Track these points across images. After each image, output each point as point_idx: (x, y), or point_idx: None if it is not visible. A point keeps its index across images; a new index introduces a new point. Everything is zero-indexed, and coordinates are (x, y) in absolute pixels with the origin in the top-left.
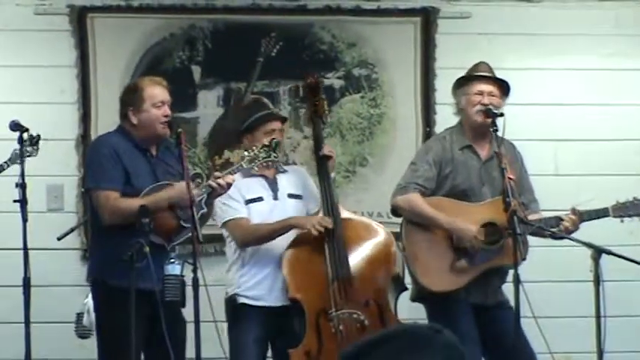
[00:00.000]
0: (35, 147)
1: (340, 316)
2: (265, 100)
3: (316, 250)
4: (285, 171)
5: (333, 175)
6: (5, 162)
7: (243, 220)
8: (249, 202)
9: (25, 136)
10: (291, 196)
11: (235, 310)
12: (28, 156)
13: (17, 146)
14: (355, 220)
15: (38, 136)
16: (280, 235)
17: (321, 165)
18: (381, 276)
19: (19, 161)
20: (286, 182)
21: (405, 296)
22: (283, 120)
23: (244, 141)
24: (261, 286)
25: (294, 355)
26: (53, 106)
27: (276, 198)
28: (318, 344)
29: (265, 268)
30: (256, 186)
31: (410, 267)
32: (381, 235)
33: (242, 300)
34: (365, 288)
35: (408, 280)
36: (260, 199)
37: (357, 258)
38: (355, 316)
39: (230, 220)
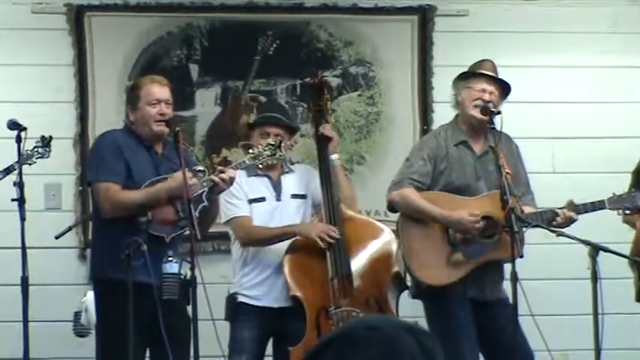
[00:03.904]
0: (47, 148)
1: (340, 314)
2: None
3: (316, 249)
4: (291, 171)
5: (335, 156)
6: (16, 162)
7: (246, 219)
8: (251, 201)
9: (22, 135)
10: (294, 196)
11: (234, 308)
12: (40, 157)
13: (27, 147)
14: (356, 218)
15: (50, 137)
16: (283, 240)
17: (320, 146)
18: (381, 274)
19: (29, 162)
20: (291, 182)
21: (406, 294)
22: (290, 129)
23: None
24: (260, 287)
25: (295, 353)
26: (51, 105)
27: (278, 199)
28: None
29: (267, 270)
30: (260, 186)
31: (406, 261)
32: (381, 233)
33: (241, 299)
34: (365, 285)
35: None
36: (262, 199)
37: (357, 256)
38: (354, 313)
39: (232, 218)
